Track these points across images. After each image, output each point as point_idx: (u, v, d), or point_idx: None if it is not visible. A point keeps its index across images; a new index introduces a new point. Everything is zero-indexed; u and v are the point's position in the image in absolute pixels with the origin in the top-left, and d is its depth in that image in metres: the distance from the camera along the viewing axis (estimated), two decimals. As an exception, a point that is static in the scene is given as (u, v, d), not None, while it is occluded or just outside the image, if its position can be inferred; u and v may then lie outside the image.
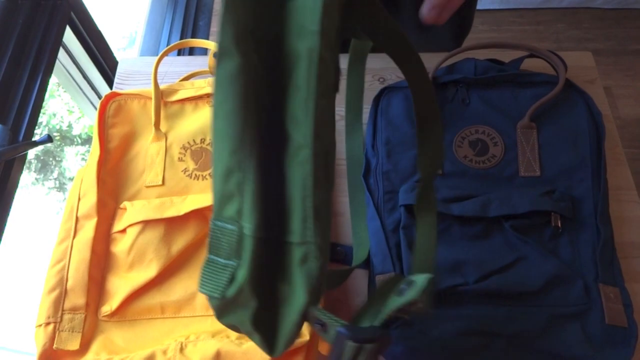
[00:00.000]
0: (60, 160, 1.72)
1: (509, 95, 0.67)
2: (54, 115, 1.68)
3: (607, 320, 0.53)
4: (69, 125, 1.73)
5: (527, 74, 0.68)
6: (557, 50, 0.69)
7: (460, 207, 0.60)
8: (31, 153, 1.53)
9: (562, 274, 0.56)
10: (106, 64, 1.11)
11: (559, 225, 0.58)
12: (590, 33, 1.71)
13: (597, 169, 0.62)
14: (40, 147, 1.62)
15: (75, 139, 1.72)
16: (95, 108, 0.93)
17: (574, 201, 0.60)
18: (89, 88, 1.15)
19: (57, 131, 1.70)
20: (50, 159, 1.71)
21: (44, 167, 1.69)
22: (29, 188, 1.61)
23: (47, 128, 1.67)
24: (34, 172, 1.65)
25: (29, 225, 1.43)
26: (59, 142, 1.71)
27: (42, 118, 1.67)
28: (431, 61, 0.68)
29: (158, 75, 0.72)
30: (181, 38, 1.62)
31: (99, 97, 1.26)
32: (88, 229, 0.58)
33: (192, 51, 1.44)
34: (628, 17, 1.75)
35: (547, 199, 0.59)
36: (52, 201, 1.61)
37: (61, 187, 1.66)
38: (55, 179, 1.69)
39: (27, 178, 1.59)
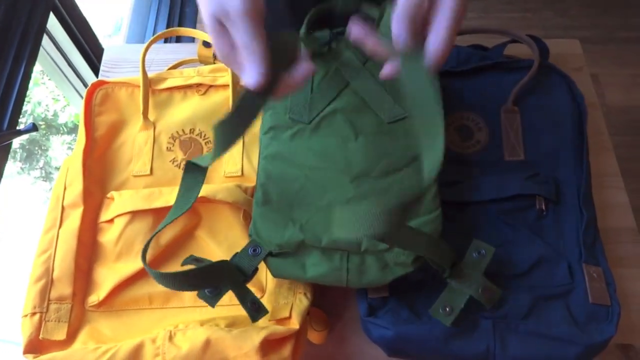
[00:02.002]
0: (46, 150, 1.70)
1: (492, 81, 0.68)
2: (39, 103, 1.66)
3: (590, 300, 0.54)
4: (55, 114, 1.70)
5: (511, 61, 0.68)
6: (545, 38, 0.70)
7: (447, 192, 0.60)
8: (16, 142, 1.52)
9: (547, 256, 0.57)
10: (92, 52, 1.10)
11: (544, 208, 0.59)
12: (577, 21, 1.71)
13: (580, 151, 0.63)
14: (25, 137, 1.60)
15: (61, 128, 1.70)
16: (81, 96, 0.92)
17: (558, 184, 0.61)
18: (75, 76, 1.14)
19: (43, 120, 1.68)
20: (36, 148, 1.69)
21: (29, 157, 1.67)
22: (15, 178, 1.60)
23: (32, 117, 1.65)
24: (20, 161, 1.63)
25: (15, 214, 1.42)
26: (44, 131, 1.69)
27: (27, 106, 1.65)
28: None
29: (145, 63, 0.71)
30: (168, 25, 1.60)
31: (85, 85, 1.24)
32: (74, 218, 0.57)
33: (179, 38, 1.42)
34: (616, 5, 1.76)
35: (531, 182, 0.60)
36: (38, 190, 1.59)
37: (47, 177, 1.64)
38: (41, 168, 1.67)
39: (12, 167, 1.57)
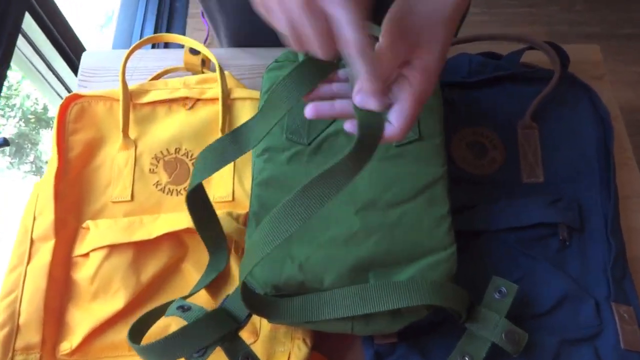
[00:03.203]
0: (36, 144, 1.64)
1: (508, 93, 0.62)
2: (28, 97, 1.59)
3: (622, 345, 0.49)
4: (44, 108, 1.64)
5: (528, 71, 0.62)
6: (549, 35, 0.64)
7: (459, 219, 0.54)
8: (5, 136, 1.45)
9: (571, 292, 0.51)
10: (73, 54, 1.02)
11: (567, 237, 0.54)
12: (582, 16, 1.65)
13: (606, 174, 0.57)
14: (14, 130, 1.54)
15: (51, 121, 1.63)
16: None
17: (582, 209, 0.56)
18: (55, 80, 1.06)
19: (32, 113, 1.62)
20: (26, 142, 1.63)
21: (19, 151, 1.61)
22: (4, 172, 1.54)
23: (21, 110, 1.58)
24: (9, 156, 1.56)
25: (5, 209, 1.37)
26: (34, 125, 1.62)
27: (16, 100, 1.59)
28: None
29: (127, 71, 0.64)
30: (157, 18, 1.52)
31: (67, 89, 1.17)
32: (45, 253, 0.51)
33: (166, 43, 1.35)
34: (621, 0, 1.70)
35: (554, 209, 0.54)
36: (28, 185, 1.53)
37: (38, 171, 1.59)
38: (31, 162, 1.61)
39: (1, 162, 1.51)
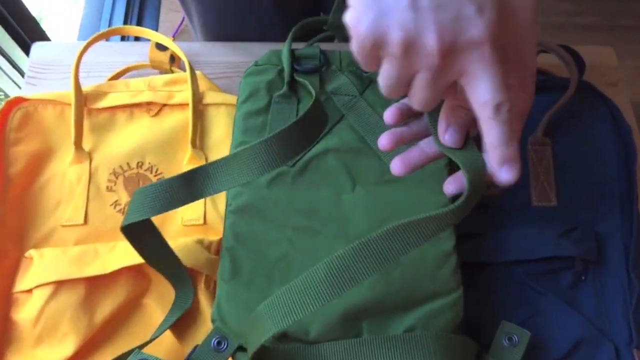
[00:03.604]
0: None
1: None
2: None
3: (646, 401, 0.43)
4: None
5: (538, 79, 0.55)
6: (544, 27, 0.57)
7: (461, 250, 0.48)
8: None
9: (587, 336, 0.46)
10: (29, 38, 0.92)
11: (582, 271, 0.48)
12: (580, 5, 1.59)
13: (627, 198, 0.51)
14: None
15: None
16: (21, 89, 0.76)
17: (599, 239, 0.50)
18: (11, 68, 0.96)
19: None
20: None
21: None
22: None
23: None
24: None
25: None
26: None
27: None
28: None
29: (83, 68, 0.56)
30: (127, 7, 1.40)
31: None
32: (-21, 291, 0.43)
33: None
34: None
35: (568, 240, 0.48)
36: None
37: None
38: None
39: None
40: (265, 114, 0.46)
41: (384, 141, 0.35)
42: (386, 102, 0.48)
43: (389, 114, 0.35)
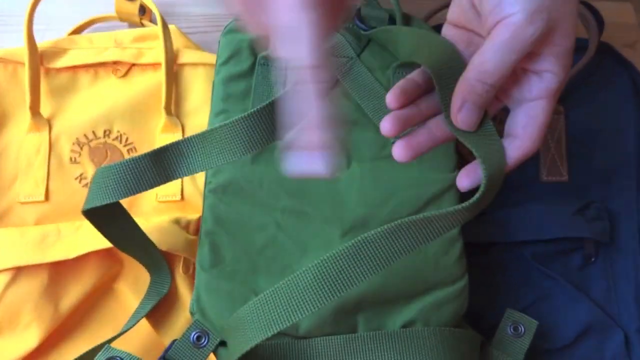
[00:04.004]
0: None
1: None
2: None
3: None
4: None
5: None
6: None
7: (467, 229, 0.44)
8: None
9: (596, 322, 0.43)
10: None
11: (593, 252, 0.44)
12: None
13: (644, 173, 0.47)
14: None
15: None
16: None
17: (611, 217, 0.46)
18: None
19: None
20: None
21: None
22: None
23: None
24: None
25: None
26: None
27: None
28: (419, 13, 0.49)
29: (38, 20, 0.49)
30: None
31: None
32: None
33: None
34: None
35: (580, 220, 0.44)
36: None
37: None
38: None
39: None
40: (249, 77, 0.40)
41: (387, 126, 0.30)
42: (387, 65, 0.42)
43: (391, 98, 0.30)
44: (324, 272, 0.26)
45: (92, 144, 0.45)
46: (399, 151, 0.30)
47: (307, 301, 0.26)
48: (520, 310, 0.43)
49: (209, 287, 0.36)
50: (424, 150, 0.31)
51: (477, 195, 0.26)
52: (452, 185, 0.40)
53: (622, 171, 0.46)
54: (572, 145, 0.47)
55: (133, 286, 0.42)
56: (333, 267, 0.26)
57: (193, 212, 0.44)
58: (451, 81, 0.28)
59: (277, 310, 0.27)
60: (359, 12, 0.42)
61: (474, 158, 0.46)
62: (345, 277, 0.26)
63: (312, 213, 0.37)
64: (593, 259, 0.45)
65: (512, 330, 0.39)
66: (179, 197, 0.45)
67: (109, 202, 0.32)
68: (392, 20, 0.43)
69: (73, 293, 0.40)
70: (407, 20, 0.45)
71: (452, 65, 0.30)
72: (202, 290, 0.36)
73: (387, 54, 0.42)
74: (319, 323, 0.35)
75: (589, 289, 0.44)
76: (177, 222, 0.42)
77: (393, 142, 0.39)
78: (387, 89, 0.41)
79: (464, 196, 0.41)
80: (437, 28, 0.50)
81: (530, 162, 0.47)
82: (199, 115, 0.46)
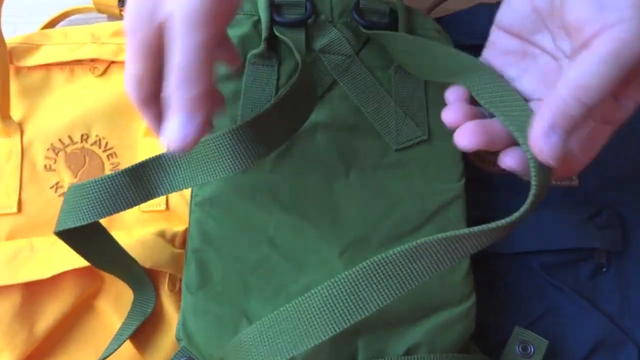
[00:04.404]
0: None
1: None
2: None
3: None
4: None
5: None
6: None
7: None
8: None
9: (607, 337, 0.41)
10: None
11: (604, 262, 0.42)
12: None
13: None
14: None
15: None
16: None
17: (624, 223, 0.44)
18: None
19: None
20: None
21: None
22: None
23: None
24: None
25: None
26: None
27: None
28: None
29: (9, 13, 0.45)
30: None
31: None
32: None
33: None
34: None
35: (592, 228, 0.42)
36: None
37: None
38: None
39: None
40: (238, 79, 0.37)
41: (453, 116, 0.27)
42: (388, 64, 0.39)
43: (451, 116, 0.28)
44: (336, 295, 0.24)
45: (69, 149, 0.41)
46: (466, 135, 0.26)
47: (317, 327, 0.24)
48: (527, 324, 0.41)
49: (196, 310, 0.33)
50: (497, 145, 0.26)
51: (522, 210, 0.24)
52: (459, 196, 0.37)
53: (636, 175, 0.44)
54: (583, 148, 0.45)
55: (115, 303, 0.39)
56: (346, 290, 0.24)
57: (179, 223, 0.41)
58: (511, 109, 0.25)
59: (282, 337, 0.24)
60: (357, 4, 0.39)
61: (484, 164, 0.43)
62: (360, 301, 0.23)
63: (307, 229, 0.34)
64: (604, 269, 0.42)
65: (520, 350, 0.37)
66: (163, 207, 0.42)
67: (83, 223, 0.28)
68: (393, 14, 0.40)
69: (49, 314, 0.37)
70: (409, 14, 0.41)
71: (502, 91, 0.27)
72: (189, 314, 0.33)
73: (388, 52, 0.39)
74: (316, 350, 0.32)
75: (600, 301, 0.42)
76: (161, 235, 0.39)
77: (396, 150, 0.37)
78: (388, 90, 0.38)
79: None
80: (438, 20, 0.47)
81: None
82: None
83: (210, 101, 0.22)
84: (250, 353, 0.26)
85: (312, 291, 0.25)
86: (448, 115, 0.28)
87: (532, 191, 0.24)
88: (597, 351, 0.40)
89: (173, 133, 0.22)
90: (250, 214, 0.34)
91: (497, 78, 0.28)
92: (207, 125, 0.23)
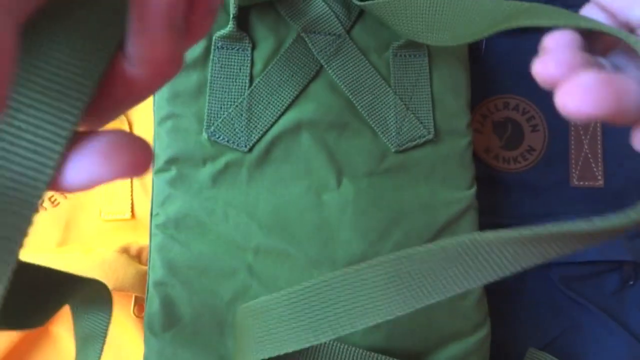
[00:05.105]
0: None
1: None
2: None
3: None
4: None
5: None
6: None
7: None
8: None
9: (633, 358, 0.36)
10: None
11: (632, 275, 0.37)
12: None
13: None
14: None
15: None
16: None
17: (653, 232, 0.39)
18: None
19: None
20: None
21: None
22: None
23: None
24: None
25: None
26: None
27: None
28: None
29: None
30: None
31: None
32: None
33: None
34: None
35: (619, 236, 0.37)
36: None
37: None
38: None
39: None
40: (202, 66, 0.30)
41: (552, 65, 0.18)
42: (386, 45, 0.33)
43: (550, 65, 0.19)
44: (327, 290, 0.18)
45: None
46: (583, 93, 0.17)
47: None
48: (546, 344, 0.37)
49: (162, 357, 0.28)
50: (631, 114, 0.17)
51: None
52: (470, 206, 0.31)
53: (670, 174, 0.39)
54: (609, 143, 0.39)
55: (72, 327, 0.34)
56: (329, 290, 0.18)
57: (147, 234, 0.35)
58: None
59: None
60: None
61: (497, 163, 0.37)
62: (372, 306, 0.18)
63: (293, 253, 0.29)
64: (631, 282, 0.37)
65: None
66: (128, 215, 0.36)
67: None
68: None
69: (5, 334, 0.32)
70: None
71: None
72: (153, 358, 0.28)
73: (386, 29, 0.33)
74: None
75: (626, 318, 0.37)
76: (125, 251, 0.34)
77: (395, 152, 0.31)
78: (386, 78, 0.32)
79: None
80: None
81: (559, 163, 0.39)
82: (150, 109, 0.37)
83: None
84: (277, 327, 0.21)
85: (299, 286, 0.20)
86: (545, 65, 0.19)
87: None
88: (623, 374, 0.36)
89: None
90: (224, 237, 0.29)
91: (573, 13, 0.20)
92: None
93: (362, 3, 0.32)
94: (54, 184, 0.13)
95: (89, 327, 0.32)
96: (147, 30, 0.13)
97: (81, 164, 0.13)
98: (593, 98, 0.16)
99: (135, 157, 0.13)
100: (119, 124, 0.37)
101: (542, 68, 0.18)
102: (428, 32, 0.28)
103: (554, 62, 0.18)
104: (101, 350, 0.31)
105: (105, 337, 0.31)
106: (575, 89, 0.17)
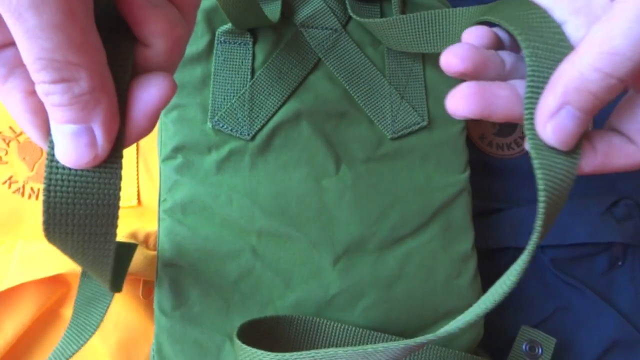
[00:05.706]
0: None
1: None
2: None
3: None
4: None
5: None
6: None
7: (476, 229, 0.38)
8: None
9: (622, 336, 0.38)
10: None
11: (620, 255, 0.39)
12: None
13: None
14: None
15: None
16: None
17: (642, 213, 0.40)
18: None
19: None
20: None
21: None
22: None
23: None
24: None
25: None
26: None
27: None
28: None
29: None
30: None
31: None
32: None
33: None
34: None
35: (610, 221, 0.38)
36: None
37: None
38: None
39: None
40: (205, 60, 0.32)
41: (459, 53, 0.21)
42: (379, 39, 0.34)
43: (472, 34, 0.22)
44: None
45: (22, 138, 0.36)
46: (461, 100, 0.20)
47: None
48: (538, 323, 0.38)
49: (172, 334, 0.29)
50: (499, 114, 0.21)
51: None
52: (464, 189, 0.33)
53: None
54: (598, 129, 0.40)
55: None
56: None
57: (153, 221, 0.37)
58: (548, 65, 0.19)
59: None
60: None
61: (491, 149, 0.39)
62: None
63: (295, 235, 0.30)
64: (620, 263, 0.39)
65: (528, 350, 0.34)
66: (135, 202, 0.37)
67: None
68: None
69: (8, 328, 0.33)
70: None
71: (547, 37, 0.20)
72: (164, 339, 0.29)
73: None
74: None
75: (615, 297, 0.39)
76: (133, 236, 0.35)
77: (391, 139, 0.32)
78: (381, 70, 0.33)
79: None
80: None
81: (551, 149, 0.40)
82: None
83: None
84: None
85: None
86: (447, 60, 0.21)
87: (540, 205, 0.19)
88: (612, 352, 0.37)
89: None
90: (228, 220, 0.30)
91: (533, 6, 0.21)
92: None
93: (361, 20, 0.32)
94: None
95: (96, 289, 0.33)
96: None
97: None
98: (467, 103, 0.20)
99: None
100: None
101: (445, 62, 0.21)
102: (416, 48, 0.30)
103: (456, 57, 0.21)
104: (106, 309, 0.32)
105: (112, 297, 0.32)
106: (456, 95, 0.21)
